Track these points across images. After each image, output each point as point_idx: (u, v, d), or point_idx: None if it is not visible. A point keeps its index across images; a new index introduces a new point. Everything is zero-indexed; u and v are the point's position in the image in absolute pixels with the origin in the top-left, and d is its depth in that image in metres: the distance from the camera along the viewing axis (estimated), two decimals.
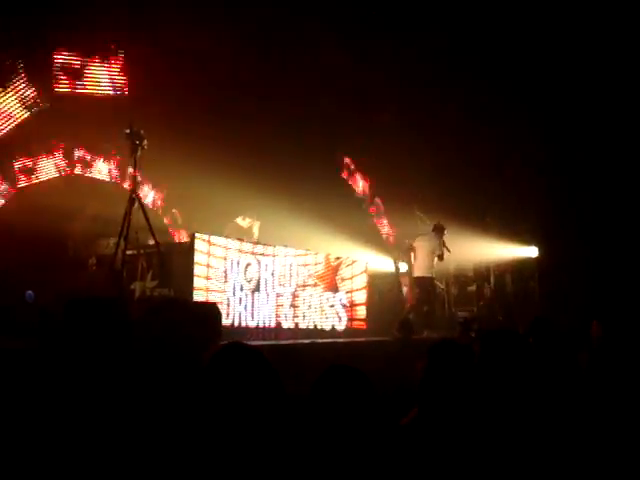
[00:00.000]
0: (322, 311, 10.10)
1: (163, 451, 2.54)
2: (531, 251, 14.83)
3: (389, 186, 14.12)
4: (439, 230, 11.23)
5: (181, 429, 2.57)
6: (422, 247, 11.15)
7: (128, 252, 7.71)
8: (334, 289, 10.46)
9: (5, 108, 9.54)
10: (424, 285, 11.24)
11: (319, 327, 9.97)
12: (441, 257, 11.11)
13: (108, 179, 11.13)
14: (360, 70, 11.92)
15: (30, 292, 8.58)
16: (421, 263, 11.15)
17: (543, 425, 3.04)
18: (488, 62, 12.37)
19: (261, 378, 2.39)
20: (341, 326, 10.37)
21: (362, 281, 11.16)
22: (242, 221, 10.59)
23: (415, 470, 2.62)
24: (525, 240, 14.72)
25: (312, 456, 2.42)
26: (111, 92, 10.33)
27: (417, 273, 11.32)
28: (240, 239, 9.31)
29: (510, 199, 14.20)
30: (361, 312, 11.04)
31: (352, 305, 10.79)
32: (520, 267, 14.98)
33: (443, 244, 11.08)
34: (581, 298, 12.64)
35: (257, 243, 9.49)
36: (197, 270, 8.23)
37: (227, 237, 9.07)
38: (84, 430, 2.01)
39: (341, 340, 9.55)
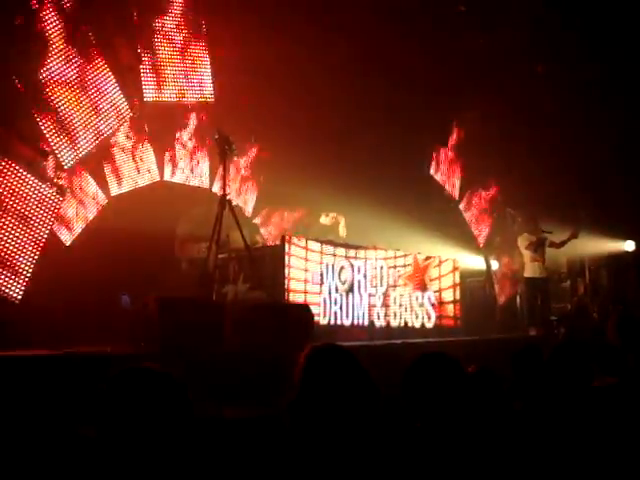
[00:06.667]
0: (412, 309, 10.29)
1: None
2: (628, 245, 14.33)
3: (478, 183, 13.87)
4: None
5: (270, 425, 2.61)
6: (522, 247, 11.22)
7: (220, 256, 7.80)
8: (423, 288, 10.59)
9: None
10: (530, 285, 11.32)
11: (409, 325, 10.19)
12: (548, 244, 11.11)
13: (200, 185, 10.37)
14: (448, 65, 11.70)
15: (126, 297, 8.53)
16: (528, 264, 11.20)
17: None
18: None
19: (353, 378, 2.46)
20: (430, 324, 10.56)
21: (450, 280, 11.23)
22: (324, 218, 10.54)
23: None
24: (621, 234, 14.21)
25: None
26: (198, 99, 10.07)
27: (526, 274, 11.36)
28: (330, 241, 9.42)
29: (605, 192, 13.73)
30: (450, 310, 11.13)
31: (440, 303, 10.89)
32: (617, 262, 14.48)
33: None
34: None
35: (348, 246, 9.58)
36: (295, 274, 8.56)
37: (310, 238, 9.11)
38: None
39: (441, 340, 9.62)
